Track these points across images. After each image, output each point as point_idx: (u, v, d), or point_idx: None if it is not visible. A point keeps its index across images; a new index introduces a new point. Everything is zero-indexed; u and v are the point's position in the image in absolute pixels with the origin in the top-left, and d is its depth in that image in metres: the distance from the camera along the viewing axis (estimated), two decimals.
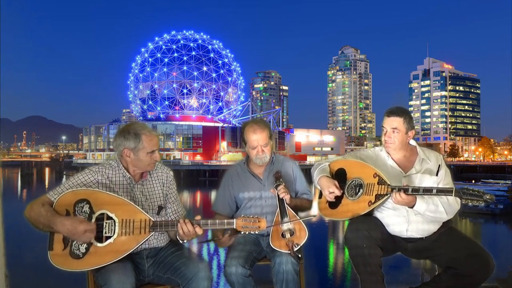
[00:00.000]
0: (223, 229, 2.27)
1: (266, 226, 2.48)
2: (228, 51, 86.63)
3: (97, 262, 1.97)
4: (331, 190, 2.38)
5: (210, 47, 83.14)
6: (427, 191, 2.16)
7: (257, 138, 2.55)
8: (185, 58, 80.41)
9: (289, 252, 2.30)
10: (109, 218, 2.02)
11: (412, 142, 2.48)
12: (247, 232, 2.07)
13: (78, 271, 1.98)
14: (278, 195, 2.42)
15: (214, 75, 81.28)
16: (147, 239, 2.06)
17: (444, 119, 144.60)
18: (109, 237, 2.00)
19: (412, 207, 2.28)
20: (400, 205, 2.27)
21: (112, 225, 2.01)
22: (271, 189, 2.50)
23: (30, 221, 2.00)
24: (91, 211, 2.01)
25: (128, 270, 1.98)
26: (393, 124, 2.39)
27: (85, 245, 1.98)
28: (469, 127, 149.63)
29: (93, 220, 2.00)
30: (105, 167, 2.21)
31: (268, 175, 2.63)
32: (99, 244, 1.99)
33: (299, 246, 2.33)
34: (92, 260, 1.97)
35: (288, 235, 2.33)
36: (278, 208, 2.41)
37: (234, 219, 2.06)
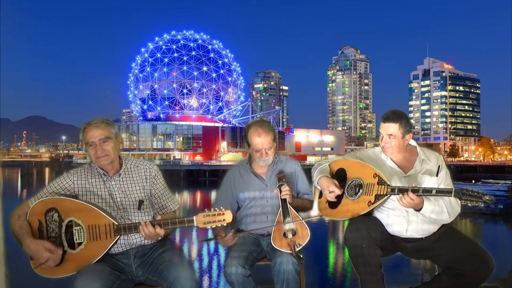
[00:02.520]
0: (224, 228, 2.25)
1: (268, 226, 2.49)
2: (228, 51, 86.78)
3: (73, 268, 2.01)
4: (331, 189, 2.38)
5: (210, 47, 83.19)
6: (427, 191, 2.16)
7: (261, 142, 2.56)
8: (185, 58, 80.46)
9: (291, 252, 2.31)
10: (78, 224, 2.04)
11: (412, 143, 2.48)
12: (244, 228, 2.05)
13: (60, 277, 2.02)
14: (281, 195, 2.42)
15: (214, 75, 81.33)
16: (115, 243, 2.06)
17: (444, 119, 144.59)
18: (81, 243, 2.03)
19: (419, 209, 2.26)
20: (408, 207, 2.25)
21: (81, 231, 2.03)
22: (274, 190, 2.50)
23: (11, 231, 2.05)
24: (60, 219, 2.04)
25: (97, 274, 1.96)
26: (389, 130, 2.39)
27: (60, 252, 2.01)
28: (469, 127, 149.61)
29: (63, 228, 2.03)
30: (83, 167, 2.25)
31: (271, 175, 2.64)
32: (72, 251, 2.03)
33: (301, 246, 2.34)
34: (68, 267, 2.02)
35: (290, 235, 2.34)
36: (281, 208, 2.42)
37: (194, 217, 2.01)
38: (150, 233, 2.03)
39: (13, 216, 2.08)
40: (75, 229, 2.03)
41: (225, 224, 2.04)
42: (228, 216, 2.02)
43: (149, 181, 2.29)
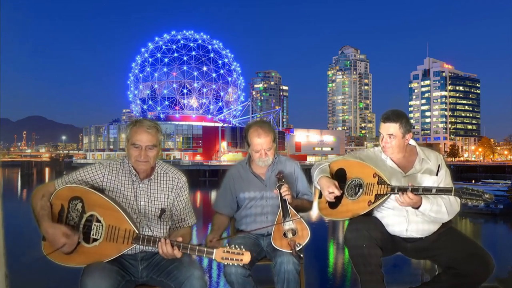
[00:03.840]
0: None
1: (268, 226, 2.49)
2: (228, 51, 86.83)
3: (82, 261, 2.00)
4: (330, 190, 2.38)
5: (210, 47, 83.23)
6: (427, 190, 2.16)
7: (261, 142, 2.56)
8: (185, 58, 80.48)
9: (291, 251, 2.31)
10: (98, 220, 2.02)
11: (412, 142, 2.49)
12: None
13: (65, 266, 2.01)
14: (281, 195, 2.42)
15: (214, 75, 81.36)
16: (129, 249, 2.04)
17: (444, 119, 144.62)
18: (96, 240, 2.01)
19: (418, 207, 2.27)
20: (406, 206, 2.26)
21: (100, 229, 2.01)
22: (274, 190, 2.50)
23: (31, 207, 2.05)
24: (82, 210, 2.03)
25: (106, 273, 1.94)
26: (389, 130, 2.39)
27: (77, 238, 1.99)
28: (469, 127, 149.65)
29: (83, 220, 2.02)
30: (116, 163, 2.22)
31: (270, 175, 2.64)
32: (86, 245, 2.01)
33: (301, 246, 2.34)
34: (78, 259, 2.00)
35: (290, 235, 2.34)
36: (281, 208, 2.42)
37: (214, 250, 1.97)
38: (168, 252, 2.01)
39: (37, 193, 2.05)
40: (95, 225, 2.01)
41: (241, 264, 1.99)
42: (246, 258, 1.96)
43: (175, 192, 2.27)
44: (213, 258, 1.96)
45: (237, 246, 1.98)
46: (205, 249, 1.99)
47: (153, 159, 2.18)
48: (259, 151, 2.57)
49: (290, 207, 2.42)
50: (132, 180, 2.19)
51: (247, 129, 2.63)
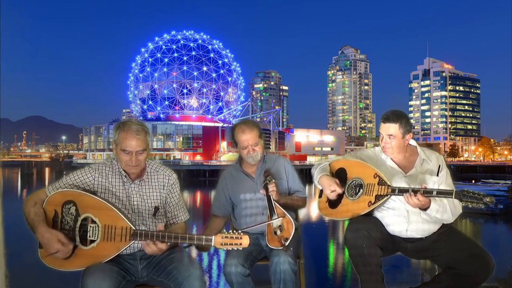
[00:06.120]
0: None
1: (257, 224, 2.48)
2: (228, 51, 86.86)
3: (81, 264, 2.00)
4: (332, 188, 2.38)
5: (210, 47, 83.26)
6: (428, 192, 2.16)
7: (246, 138, 2.57)
8: (185, 58, 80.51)
9: (282, 248, 2.29)
10: (94, 222, 2.02)
11: (412, 142, 2.48)
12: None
13: (64, 271, 2.01)
14: (267, 194, 2.42)
15: (214, 75, 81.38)
16: (128, 246, 2.04)
17: (444, 119, 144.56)
18: (93, 241, 2.01)
19: (426, 209, 2.25)
20: (414, 207, 2.25)
21: (96, 229, 2.01)
22: (260, 190, 2.49)
23: (24, 215, 2.05)
24: (77, 213, 2.02)
25: (107, 274, 1.95)
26: (389, 130, 2.38)
27: (71, 247, 1.99)
28: (469, 127, 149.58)
29: (78, 223, 2.01)
30: (105, 165, 2.22)
31: (260, 173, 2.65)
32: (83, 247, 2.01)
33: (288, 240, 2.31)
34: (77, 262, 2.00)
35: (278, 232, 2.33)
36: (268, 207, 2.40)
37: (213, 236, 1.99)
38: (161, 249, 2.03)
39: (29, 201, 2.05)
40: (90, 226, 2.01)
41: (241, 248, 1.99)
42: (245, 241, 1.98)
43: (166, 189, 2.27)
44: (212, 245, 1.98)
45: (235, 231, 1.99)
46: (204, 237, 2.00)
47: (143, 162, 2.19)
48: (246, 147, 2.58)
49: (276, 204, 2.40)
50: (123, 181, 2.19)
51: (233, 130, 2.65)
